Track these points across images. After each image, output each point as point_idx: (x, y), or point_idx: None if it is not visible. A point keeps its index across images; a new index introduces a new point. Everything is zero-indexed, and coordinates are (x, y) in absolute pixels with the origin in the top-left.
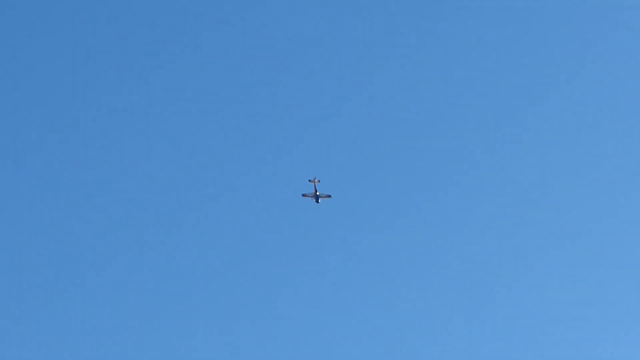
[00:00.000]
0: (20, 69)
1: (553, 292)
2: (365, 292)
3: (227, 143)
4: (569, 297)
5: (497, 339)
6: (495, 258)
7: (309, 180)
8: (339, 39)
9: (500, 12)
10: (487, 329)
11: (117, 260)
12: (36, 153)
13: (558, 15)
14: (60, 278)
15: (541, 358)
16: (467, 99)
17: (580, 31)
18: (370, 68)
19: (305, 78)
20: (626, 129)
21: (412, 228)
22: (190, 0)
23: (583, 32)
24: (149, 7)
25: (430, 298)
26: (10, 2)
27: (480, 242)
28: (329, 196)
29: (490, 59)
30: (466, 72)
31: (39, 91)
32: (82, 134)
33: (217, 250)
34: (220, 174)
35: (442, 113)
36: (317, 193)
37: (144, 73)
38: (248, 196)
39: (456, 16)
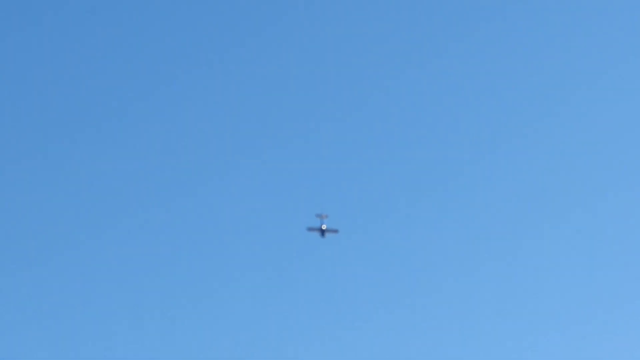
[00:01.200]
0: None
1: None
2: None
3: (232, 170)
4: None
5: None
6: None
7: (317, 215)
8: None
9: (500, 13)
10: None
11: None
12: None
13: (558, 15)
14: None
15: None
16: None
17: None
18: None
19: (315, 102)
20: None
21: (421, 269)
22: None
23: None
24: (149, 8)
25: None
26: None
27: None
28: (337, 231)
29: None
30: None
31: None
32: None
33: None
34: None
35: (452, 146)
36: (325, 228)
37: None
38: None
39: (455, 20)
